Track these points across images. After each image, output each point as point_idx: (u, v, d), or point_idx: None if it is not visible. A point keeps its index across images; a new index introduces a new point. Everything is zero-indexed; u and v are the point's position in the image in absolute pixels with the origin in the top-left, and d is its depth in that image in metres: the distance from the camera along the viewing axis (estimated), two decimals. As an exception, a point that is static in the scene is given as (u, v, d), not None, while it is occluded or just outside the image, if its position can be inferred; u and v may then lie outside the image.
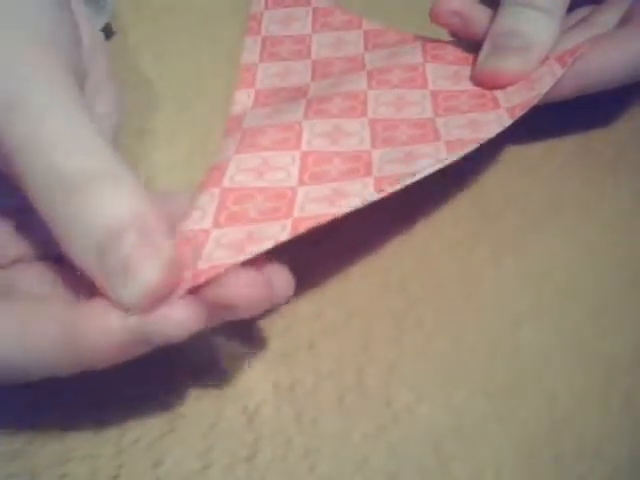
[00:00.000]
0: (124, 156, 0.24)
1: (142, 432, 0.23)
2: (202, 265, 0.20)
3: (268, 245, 0.21)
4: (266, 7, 0.34)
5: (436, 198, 0.27)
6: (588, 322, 0.25)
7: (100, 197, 0.19)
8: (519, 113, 0.26)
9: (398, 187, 0.23)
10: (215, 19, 0.34)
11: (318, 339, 0.25)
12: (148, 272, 0.18)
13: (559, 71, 0.27)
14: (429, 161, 0.24)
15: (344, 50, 0.32)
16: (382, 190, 0.23)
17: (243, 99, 0.30)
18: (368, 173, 0.24)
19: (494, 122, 0.26)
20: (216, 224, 0.22)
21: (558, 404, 0.23)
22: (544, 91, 0.27)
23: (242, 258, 0.20)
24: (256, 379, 0.24)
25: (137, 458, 0.22)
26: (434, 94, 0.28)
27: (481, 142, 0.25)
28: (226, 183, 0.24)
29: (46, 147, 0.19)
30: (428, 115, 0.27)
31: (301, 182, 0.24)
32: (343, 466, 0.22)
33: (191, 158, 0.29)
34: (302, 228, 0.21)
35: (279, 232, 0.21)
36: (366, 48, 0.32)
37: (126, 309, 0.19)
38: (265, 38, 0.33)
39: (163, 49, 0.33)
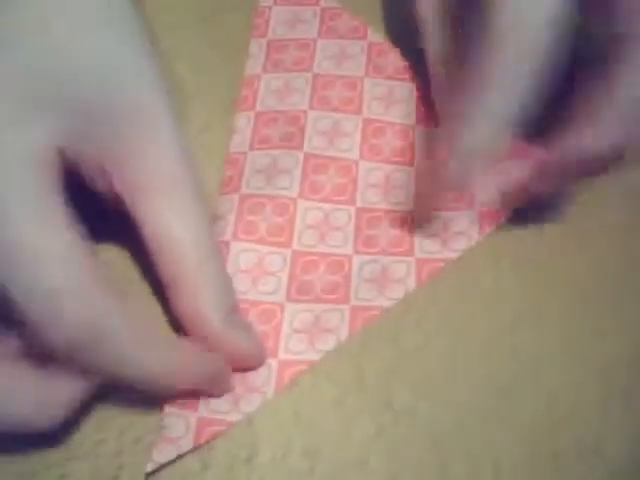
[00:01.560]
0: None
1: (142, 432, 0.23)
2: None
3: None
4: (275, 2, 0.34)
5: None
6: (588, 322, 0.25)
7: None
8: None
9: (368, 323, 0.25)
10: (214, 18, 0.34)
11: (318, 339, 0.25)
12: None
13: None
14: (399, 290, 0.26)
15: (345, 67, 0.32)
16: (354, 329, 0.25)
17: (243, 124, 0.30)
18: (346, 297, 0.25)
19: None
20: None
21: (558, 404, 0.23)
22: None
23: None
24: (256, 379, 0.24)
25: (137, 458, 0.22)
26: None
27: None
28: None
29: None
30: (407, 208, 0.28)
31: (289, 297, 0.26)
32: (343, 466, 0.22)
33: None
34: (286, 378, 0.24)
35: (266, 381, 0.24)
36: (367, 71, 0.32)
37: None
38: (270, 42, 0.33)
39: (162, 48, 0.33)
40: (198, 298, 0.22)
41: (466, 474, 0.22)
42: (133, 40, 0.23)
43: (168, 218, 0.22)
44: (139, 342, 0.21)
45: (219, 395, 0.23)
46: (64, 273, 0.20)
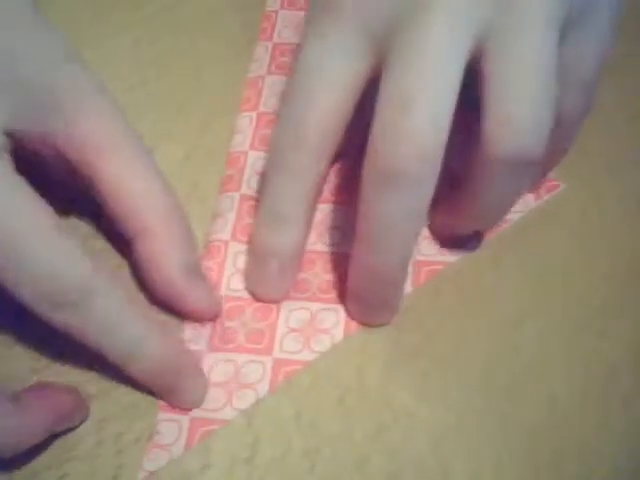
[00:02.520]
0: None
1: (142, 432, 0.23)
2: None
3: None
4: (282, 6, 0.34)
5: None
6: (588, 322, 0.25)
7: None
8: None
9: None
10: (214, 18, 0.34)
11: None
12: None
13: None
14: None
15: None
16: (350, 330, 0.25)
17: (244, 124, 0.30)
18: (342, 297, 0.25)
19: None
20: (210, 347, 0.25)
21: (558, 404, 0.23)
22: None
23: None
24: (256, 379, 0.24)
25: (137, 458, 0.22)
26: None
27: None
28: (224, 281, 0.26)
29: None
30: None
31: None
32: (343, 466, 0.22)
33: (189, 158, 0.29)
34: (280, 377, 0.24)
35: (260, 378, 0.24)
36: None
37: None
38: (276, 45, 0.33)
39: (162, 48, 0.33)
40: (163, 256, 0.23)
41: (466, 474, 0.22)
42: (48, 25, 0.23)
43: (127, 174, 0.23)
44: (126, 304, 0.22)
45: (180, 401, 0.23)
46: (51, 241, 0.20)
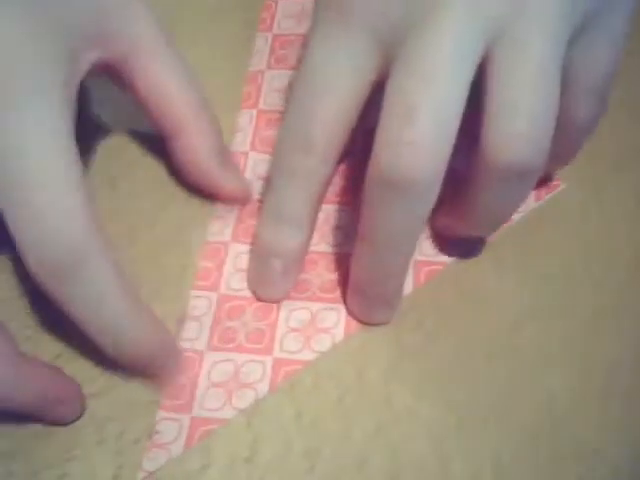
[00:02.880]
0: (122, 156, 0.25)
1: (142, 432, 0.23)
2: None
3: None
4: None
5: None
6: (588, 322, 0.25)
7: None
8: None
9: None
10: (215, 17, 0.34)
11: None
12: None
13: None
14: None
15: None
16: (350, 329, 0.25)
17: (244, 122, 0.30)
18: (343, 296, 0.25)
19: None
20: (210, 346, 0.25)
21: (558, 404, 0.23)
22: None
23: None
24: (256, 379, 0.24)
25: (137, 458, 0.22)
26: None
27: None
28: (224, 281, 0.26)
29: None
30: None
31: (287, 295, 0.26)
32: (343, 466, 0.22)
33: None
34: (280, 377, 0.24)
35: (260, 378, 0.24)
36: None
37: None
38: (276, 36, 0.33)
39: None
40: (197, 146, 0.26)
41: (466, 474, 0.22)
42: None
43: (163, 74, 0.25)
44: (118, 279, 0.21)
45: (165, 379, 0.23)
46: (55, 194, 0.20)
